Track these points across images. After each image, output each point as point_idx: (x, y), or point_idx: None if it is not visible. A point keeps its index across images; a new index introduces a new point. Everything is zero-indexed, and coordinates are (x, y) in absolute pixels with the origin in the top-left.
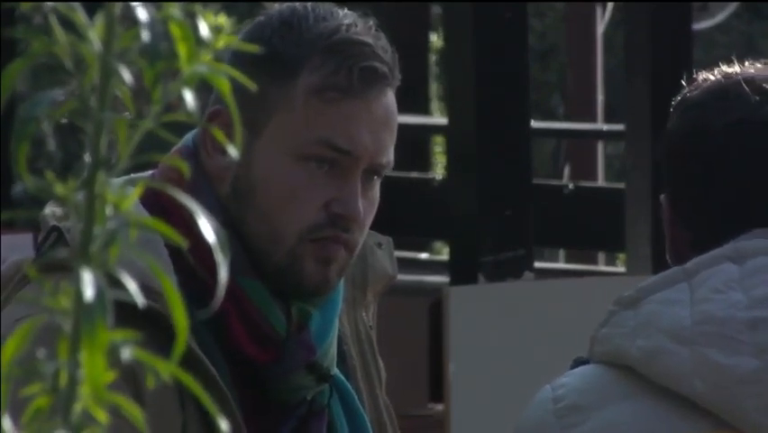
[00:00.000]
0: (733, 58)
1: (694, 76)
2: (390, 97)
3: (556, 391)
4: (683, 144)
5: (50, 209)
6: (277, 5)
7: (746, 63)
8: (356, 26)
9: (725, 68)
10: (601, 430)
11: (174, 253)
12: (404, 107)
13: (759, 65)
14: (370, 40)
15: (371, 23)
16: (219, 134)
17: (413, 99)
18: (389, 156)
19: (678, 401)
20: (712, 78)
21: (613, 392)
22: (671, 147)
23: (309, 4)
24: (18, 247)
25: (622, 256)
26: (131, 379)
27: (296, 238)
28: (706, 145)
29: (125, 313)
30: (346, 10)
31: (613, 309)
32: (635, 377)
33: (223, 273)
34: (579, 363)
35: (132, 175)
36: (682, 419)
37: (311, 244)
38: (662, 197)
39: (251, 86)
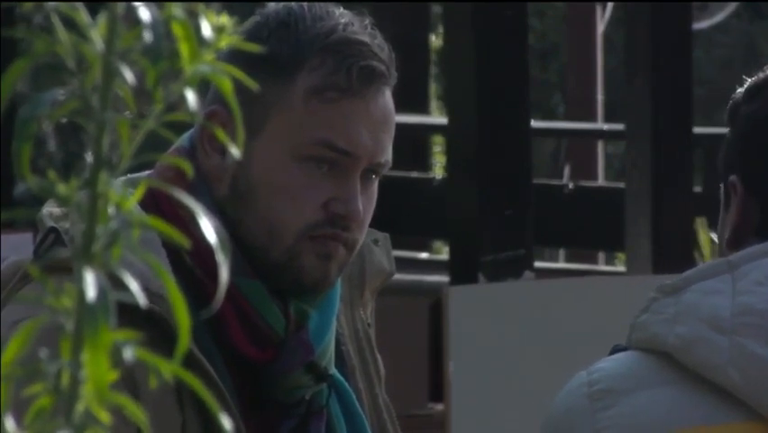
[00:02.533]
0: None
1: None
2: (388, 96)
3: (591, 375)
4: None
5: (48, 210)
6: (272, 5)
7: None
8: (353, 25)
9: None
10: (633, 414)
11: (171, 253)
12: (404, 107)
13: None
14: (367, 39)
15: (367, 21)
16: (221, 134)
17: (413, 99)
18: (388, 155)
19: (714, 390)
20: None
21: (648, 378)
22: (753, 130)
23: (305, 3)
24: (18, 247)
25: (622, 256)
26: (128, 380)
27: (295, 236)
28: None
29: (125, 315)
30: (342, 9)
31: (654, 296)
32: (672, 364)
33: (224, 274)
34: (617, 350)
35: (130, 175)
36: (717, 409)
37: (310, 241)
38: (733, 177)
39: (254, 86)
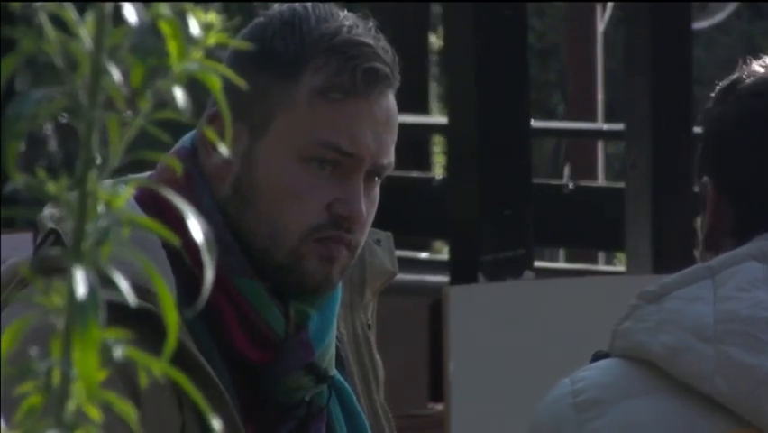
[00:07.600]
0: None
1: (747, 63)
2: (391, 99)
3: (576, 385)
4: (738, 129)
5: (49, 211)
6: (276, 5)
7: None
8: (357, 27)
9: None
10: (619, 425)
11: (172, 254)
12: (404, 107)
13: None
14: (371, 41)
15: (371, 24)
16: (211, 134)
17: (413, 99)
18: (390, 157)
19: (699, 399)
20: (763, 69)
21: (633, 387)
22: (721, 130)
23: (309, 4)
24: (18, 247)
25: (622, 256)
26: (127, 379)
27: (298, 238)
28: (763, 132)
29: (119, 313)
30: (346, 11)
31: (636, 303)
32: (656, 373)
33: (209, 273)
34: (599, 357)
35: (130, 176)
36: (703, 417)
37: (314, 244)
38: (705, 179)
39: (242, 83)
